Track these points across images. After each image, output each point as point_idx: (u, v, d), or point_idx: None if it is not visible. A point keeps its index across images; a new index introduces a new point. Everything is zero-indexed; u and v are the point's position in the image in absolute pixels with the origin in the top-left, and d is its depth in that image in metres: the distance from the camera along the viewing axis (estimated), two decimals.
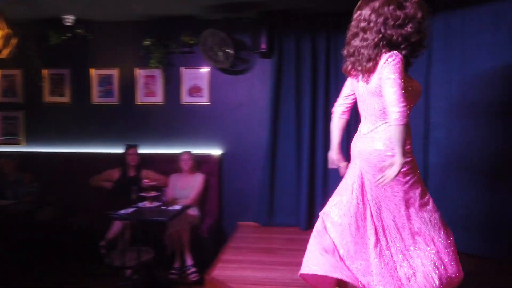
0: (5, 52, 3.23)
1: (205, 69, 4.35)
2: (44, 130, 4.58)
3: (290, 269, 3.07)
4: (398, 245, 2.09)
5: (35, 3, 3.77)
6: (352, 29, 2.09)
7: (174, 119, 4.43)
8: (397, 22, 1.93)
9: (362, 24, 1.99)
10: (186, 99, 4.41)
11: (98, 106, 4.52)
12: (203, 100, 4.39)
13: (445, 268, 2.06)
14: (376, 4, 1.98)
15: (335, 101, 4.03)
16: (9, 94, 4.59)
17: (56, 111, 4.56)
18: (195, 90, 4.39)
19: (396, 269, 2.06)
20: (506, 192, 3.12)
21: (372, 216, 2.11)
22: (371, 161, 2.06)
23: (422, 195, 2.09)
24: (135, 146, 4.13)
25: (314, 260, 2.11)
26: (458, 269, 2.10)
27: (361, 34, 2.01)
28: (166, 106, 4.44)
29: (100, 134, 4.50)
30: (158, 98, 4.44)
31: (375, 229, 2.09)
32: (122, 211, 3.25)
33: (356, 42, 2.03)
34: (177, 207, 3.45)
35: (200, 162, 4.23)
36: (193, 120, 4.41)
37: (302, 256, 3.33)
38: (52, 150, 4.53)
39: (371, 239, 2.08)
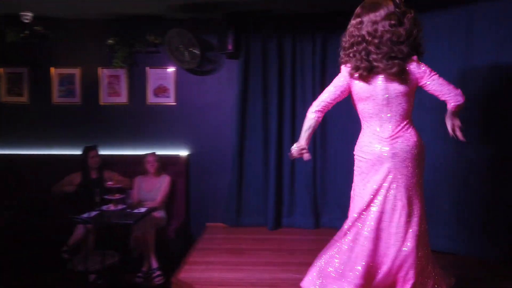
0: None
1: (171, 69, 4.30)
2: (0, 132, 4.38)
3: (257, 269, 3.10)
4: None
5: None
6: (355, 35, 2.22)
7: (139, 120, 4.35)
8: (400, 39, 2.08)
9: (372, 39, 2.12)
10: (151, 99, 4.34)
11: (59, 107, 4.37)
12: (170, 100, 4.33)
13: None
14: (378, 17, 2.11)
15: (302, 102, 4.18)
16: None
17: (14, 111, 4.37)
18: (161, 90, 4.33)
19: None
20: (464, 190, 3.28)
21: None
22: (411, 154, 2.14)
23: None
24: (95, 148, 4.02)
25: None
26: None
27: (375, 44, 2.12)
28: (131, 107, 4.35)
29: (61, 136, 4.35)
30: (122, 98, 4.34)
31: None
32: (85, 215, 3.17)
33: (373, 50, 2.13)
34: (142, 209, 3.40)
35: (166, 164, 4.18)
36: (159, 121, 4.35)
37: (270, 255, 3.41)
38: (10, 152, 4.34)
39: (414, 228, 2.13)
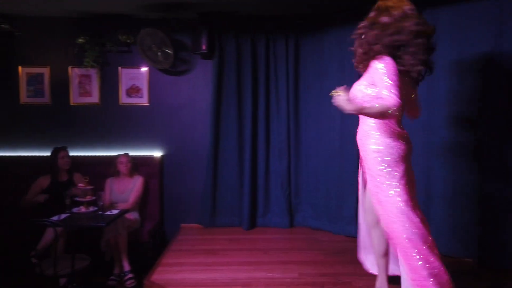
0: None
1: (144, 69, 4.25)
2: None
3: (231, 269, 3.11)
4: None
5: None
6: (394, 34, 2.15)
7: (111, 120, 4.28)
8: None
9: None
10: (124, 99, 4.27)
11: (27, 107, 4.25)
12: (143, 100, 4.28)
13: None
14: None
15: (276, 102, 4.22)
16: None
17: None
18: (133, 91, 4.27)
19: None
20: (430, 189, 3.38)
21: None
22: None
23: None
24: (65, 149, 3.93)
25: None
26: None
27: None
28: (102, 107, 4.27)
29: (29, 137, 4.23)
30: (94, 98, 4.26)
31: None
32: (55, 218, 3.10)
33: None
34: (114, 211, 3.35)
35: (139, 164, 4.13)
36: (132, 121, 4.29)
37: (244, 255, 3.43)
38: None
39: None
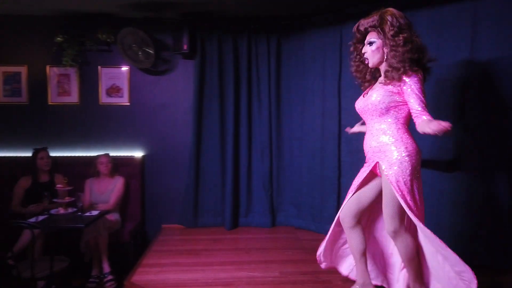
0: None
1: (125, 69, 4.21)
2: None
3: (213, 269, 3.12)
4: None
5: None
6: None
7: (91, 120, 4.22)
8: None
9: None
10: (104, 99, 4.22)
11: (4, 106, 4.15)
12: (123, 100, 4.24)
13: None
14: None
15: (257, 102, 4.24)
16: None
17: None
18: (114, 90, 4.23)
19: None
20: None
21: None
22: None
23: None
24: (45, 149, 3.87)
25: None
26: None
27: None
28: (82, 107, 4.21)
29: (7, 137, 4.14)
30: (73, 98, 4.19)
31: None
32: (33, 219, 3.04)
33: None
34: (94, 212, 3.31)
35: (120, 165, 4.09)
36: (112, 121, 4.24)
37: (226, 255, 3.44)
38: None
39: None
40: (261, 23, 4.15)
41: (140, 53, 3.98)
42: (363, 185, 2.40)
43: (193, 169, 4.19)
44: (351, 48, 2.44)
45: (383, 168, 2.21)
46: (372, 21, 2.25)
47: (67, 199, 3.29)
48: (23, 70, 4.14)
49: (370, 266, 2.57)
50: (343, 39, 3.74)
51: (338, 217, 2.48)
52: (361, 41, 2.36)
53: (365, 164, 2.42)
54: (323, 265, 2.69)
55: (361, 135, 3.72)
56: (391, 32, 2.16)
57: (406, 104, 2.20)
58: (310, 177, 4.06)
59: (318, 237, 3.89)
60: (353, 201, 2.41)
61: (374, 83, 2.39)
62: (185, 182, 4.24)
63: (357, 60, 2.42)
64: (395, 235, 2.23)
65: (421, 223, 2.12)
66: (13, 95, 4.14)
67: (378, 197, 2.38)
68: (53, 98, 4.18)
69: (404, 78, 2.16)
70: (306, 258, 3.32)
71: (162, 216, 4.30)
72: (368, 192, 2.41)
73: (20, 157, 4.04)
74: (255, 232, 4.11)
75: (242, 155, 4.28)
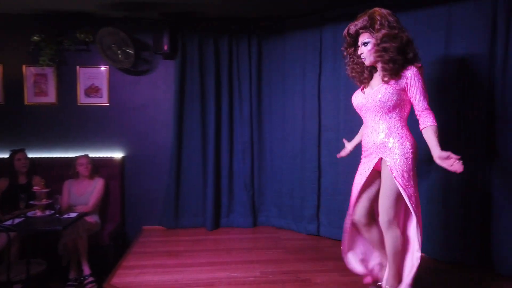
0: None
1: (104, 68, 4.16)
2: None
3: (194, 270, 3.12)
4: None
5: None
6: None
7: (69, 121, 4.15)
8: None
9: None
10: (83, 99, 4.16)
11: None
12: (102, 100, 4.18)
13: None
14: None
15: (239, 102, 4.25)
16: None
17: None
18: (93, 90, 4.17)
19: None
20: None
21: None
22: None
23: None
24: (22, 151, 3.79)
25: None
26: None
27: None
28: (60, 107, 4.14)
29: None
30: (50, 98, 4.12)
31: None
32: (8, 222, 2.98)
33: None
34: (72, 214, 3.26)
35: (99, 166, 4.03)
36: (91, 122, 4.18)
37: (207, 256, 3.44)
38: None
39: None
40: (242, 24, 4.16)
41: (119, 53, 3.94)
42: (368, 182, 2.43)
43: (173, 169, 4.17)
44: (344, 53, 2.50)
45: (387, 164, 2.27)
46: (362, 23, 2.31)
47: (44, 201, 3.24)
48: None
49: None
50: (322, 41, 3.79)
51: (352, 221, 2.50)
52: (352, 45, 2.42)
53: (363, 160, 2.46)
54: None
55: (340, 136, 3.80)
56: (383, 31, 2.23)
57: (409, 102, 2.31)
58: (290, 177, 4.10)
59: (298, 236, 3.96)
60: (364, 201, 2.45)
61: (371, 79, 2.44)
62: (165, 183, 4.22)
63: (351, 62, 2.47)
64: (388, 225, 2.30)
65: (416, 217, 2.23)
66: None
67: None
68: (29, 98, 4.10)
69: (406, 74, 2.25)
70: (287, 258, 3.36)
71: (142, 217, 4.27)
72: (377, 188, 2.43)
73: None
74: (236, 233, 4.12)
75: (223, 155, 4.28)
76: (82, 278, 3.38)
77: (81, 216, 3.33)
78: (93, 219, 3.71)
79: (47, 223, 3.07)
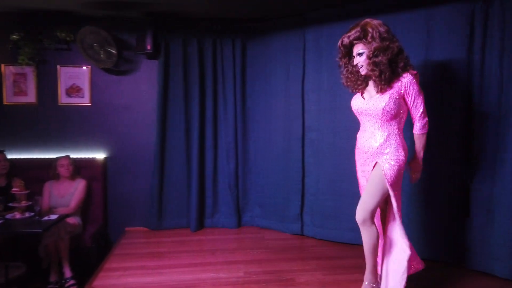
0: None
1: (85, 68, 4.10)
2: None
3: (177, 271, 3.11)
4: None
5: None
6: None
7: (50, 121, 4.08)
8: None
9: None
10: (64, 99, 4.09)
11: None
12: (84, 100, 4.12)
13: None
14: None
15: (223, 102, 4.24)
16: None
17: None
18: (74, 90, 4.10)
19: None
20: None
21: None
22: None
23: None
24: (2, 152, 3.71)
25: None
26: None
27: None
28: (40, 107, 4.06)
29: None
30: (30, 98, 4.04)
31: None
32: None
33: None
34: (53, 216, 3.20)
35: (81, 167, 3.98)
36: (72, 122, 4.11)
37: (191, 257, 3.43)
38: None
39: None
40: (226, 25, 4.16)
41: (101, 52, 3.88)
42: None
43: (157, 170, 4.14)
44: (339, 63, 2.58)
45: (383, 168, 2.36)
46: (355, 34, 2.38)
47: (23, 203, 3.17)
48: None
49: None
50: (306, 42, 3.82)
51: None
52: (346, 55, 2.50)
53: (359, 163, 2.57)
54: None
55: (324, 136, 3.84)
56: (375, 43, 2.32)
57: (407, 110, 2.44)
58: (275, 177, 4.11)
59: (282, 236, 3.98)
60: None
61: (367, 86, 2.52)
62: (149, 184, 4.18)
63: (346, 72, 2.55)
64: (363, 223, 2.41)
65: (399, 217, 2.37)
66: None
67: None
68: (8, 98, 4.01)
69: (402, 81, 2.35)
70: (270, 258, 3.37)
71: (125, 219, 4.22)
72: None
73: None
74: (220, 233, 4.12)
75: (207, 156, 4.27)
76: (63, 281, 3.33)
77: (62, 218, 3.27)
78: (74, 220, 3.66)
79: (26, 225, 3.02)
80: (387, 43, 2.32)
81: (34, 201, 3.20)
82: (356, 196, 3.34)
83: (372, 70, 2.35)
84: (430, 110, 2.79)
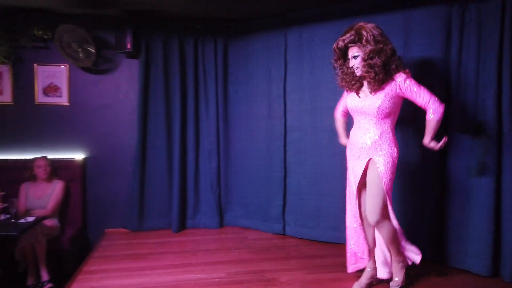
0: None
1: (63, 67, 4.01)
2: None
3: (158, 272, 3.07)
4: None
5: None
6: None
7: (26, 121, 3.97)
8: None
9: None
10: (41, 98, 3.99)
11: None
12: (62, 100, 4.04)
13: None
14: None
15: (205, 102, 4.23)
16: None
17: None
18: (51, 89, 4.01)
19: None
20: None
21: None
22: None
23: None
24: None
25: None
26: None
27: None
28: (16, 107, 3.95)
29: None
30: (6, 97, 3.92)
31: None
32: None
33: None
34: (29, 219, 3.13)
35: (59, 168, 3.89)
36: (50, 122, 4.02)
37: (171, 258, 3.40)
38: None
39: None
40: (207, 24, 4.14)
41: (80, 51, 3.81)
42: (363, 181, 2.61)
43: (138, 170, 4.09)
44: (334, 65, 2.66)
45: (378, 165, 2.48)
46: (350, 37, 2.48)
47: None
48: None
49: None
50: (287, 42, 3.83)
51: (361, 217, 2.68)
52: (341, 57, 2.59)
53: (354, 163, 2.62)
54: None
55: (305, 136, 3.86)
56: (369, 46, 2.41)
57: (399, 109, 2.57)
58: (257, 177, 4.12)
59: (264, 236, 3.98)
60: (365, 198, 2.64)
61: (362, 86, 2.60)
62: (129, 184, 4.13)
63: (341, 73, 2.64)
64: (378, 224, 2.52)
65: (389, 200, 2.51)
66: None
67: None
68: None
69: (397, 81, 2.45)
70: (252, 258, 3.37)
71: (105, 220, 4.15)
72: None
73: None
74: (202, 234, 4.09)
75: (189, 156, 4.24)
76: (40, 285, 3.26)
77: (39, 220, 3.20)
78: (52, 223, 3.57)
79: (2, 228, 2.95)
80: (381, 45, 2.42)
81: (10, 203, 3.12)
82: (337, 195, 3.39)
83: (367, 71, 2.45)
84: (407, 107, 2.87)
